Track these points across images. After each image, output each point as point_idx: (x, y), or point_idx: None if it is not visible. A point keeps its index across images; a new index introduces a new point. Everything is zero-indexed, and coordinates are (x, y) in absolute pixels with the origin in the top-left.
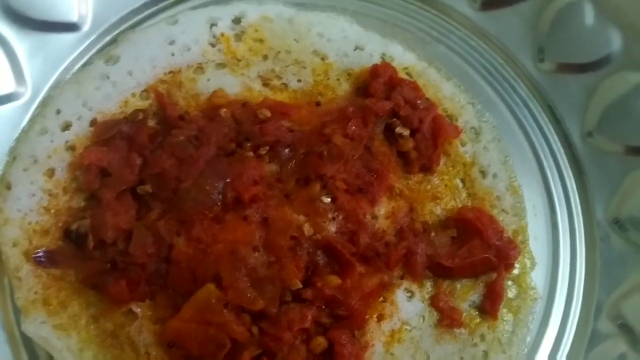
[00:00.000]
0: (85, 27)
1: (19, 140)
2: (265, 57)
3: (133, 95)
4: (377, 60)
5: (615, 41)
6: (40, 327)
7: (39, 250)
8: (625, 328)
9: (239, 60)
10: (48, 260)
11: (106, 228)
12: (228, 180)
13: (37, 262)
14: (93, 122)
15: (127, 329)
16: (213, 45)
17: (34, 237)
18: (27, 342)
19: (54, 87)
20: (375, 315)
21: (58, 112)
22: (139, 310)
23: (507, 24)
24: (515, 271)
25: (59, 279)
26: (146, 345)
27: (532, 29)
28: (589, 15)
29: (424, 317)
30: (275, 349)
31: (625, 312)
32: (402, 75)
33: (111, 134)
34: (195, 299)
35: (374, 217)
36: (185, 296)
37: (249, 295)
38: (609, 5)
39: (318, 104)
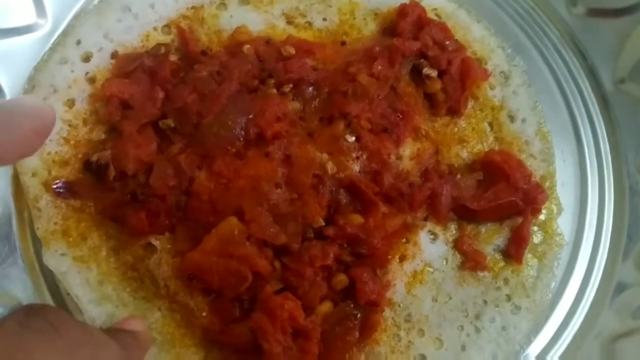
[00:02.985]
0: None
1: (38, 69)
2: None
3: (155, 29)
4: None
5: None
6: (60, 260)
7: (58, 180)
8: None
9: None
10: (67, 191)
11: (127, 160)
12: (250, 116)
13: (57, 192)
14: (114, 55)
15: (146, 262)
16: None
17: (53, 167)
18: (46, 272)
19: (74, 18)
20: (397, 256)
21: (78, 42)
22: (158, 243)
23: None
24: (542, 217)
25: (79, 210)
26: (165, 279)
27: None
28: None
29: (447, 259)
30: (297, 284)
31: None
32: (431, 16)
33: (133, 67)
34: (217, 231)
35: (399, 157)
36: (206, 229)
37: (271, 229)
38: None
39: (343, 43)
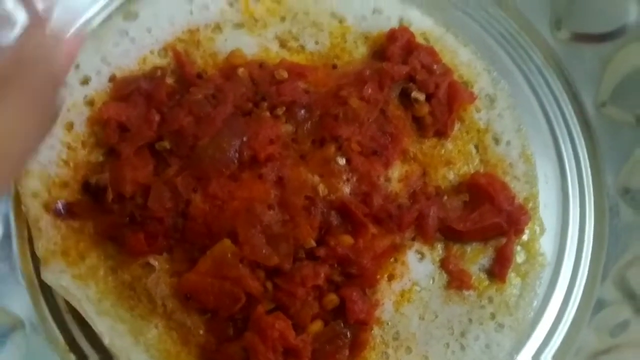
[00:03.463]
0: None
1: None
2: (282, 19)
3: (151, 52)
4: (394, 24)
5: (632, 12)
6: (59, 276)
7: (58, 201)
8: (629, 295)
9: (256, 21)
10: (67, 212)
11: (125, 182)
12: (245, 138)
13: (56, 213)
14: (112, 78)
15: (144, 281)
16: (231, 4)
17: (53, 189)
18: (46, 290)
19: None
20: (386, 275)
21: (77, 66)
22: (157, 263)
23: None
24: (525, 237)
25: (78, 230)
26: (163, 297)
27: None
28: None
29: (434, 278)
30: (289, 304)
31: (630, 279)
32: (419, 40)
33: (130, 90)
34: (212, 253)
35: (388, 179)
36: (202, 250)
37: (264, 251)
38: None
39: (334, 66)
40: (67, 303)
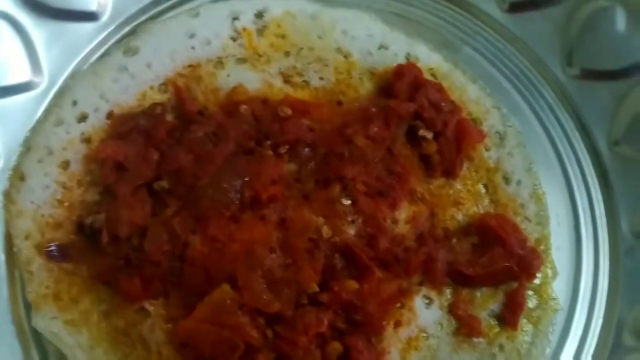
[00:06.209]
0: (104, 17)
1: (34, 130)
2: (287, 54)
3: (151, 88)
4: (401, 60)
5: None
6: (50, 323)
7: (52, 244)
8: None
9: (260, 56)
10: (60, 254)
11: (121, 223)
12: (246, 178)
13: (49, 255)
14: (110, 115)
15: (139, 327)
16: (234, 39)
17: (46, 230)
18: (37, 336)
19: (70, 78)
20: (392, 322)
21: (74, 103)
22: (152, 308)
23: (535, 28)
24: (537, 281)
25: (71, 273)
26: (158, 344)
27: (561, 33)
28: (620, 21)
29: (442, 324)
30: (290, 353)
31: None
32: (427, 76)
33: (128, 128)
34: (210, 299)
35: (394, 221)
36: (200, 296)
37: (264, 297)
38: None
39: (340, 103)
40: (58, 351)
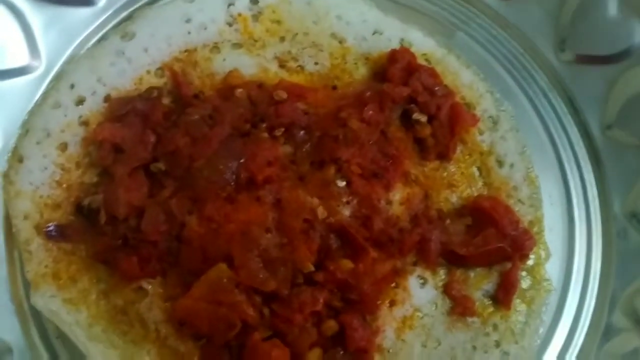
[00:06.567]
0: (101, 2)
1: (32, 113)
2: (282, 39)
3: (148, 72)
4: (395, 45)
5: (637, 34)
6: (49, 301)
7: (50, 224)
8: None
9: (255, 41)
10: (59, 234)
11: (118, 204)
12: (242, 160)
13: (48, 235)
14: (107, 98)
15: (137, 306)
16: (230, 24)
17: (45, 210)
18: (36, 314)
19: (68, 62)
20: (387, 301)
21: (72, 86)
22: (150, 287)
23: (528, 13)
24: (530, 262)
25: (70, 253)
26: (156, 323)
27: (554, 19)
28: (612, 7)
29: (436, 304)
30: (286, 331)
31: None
32: (420, 61)
33: (125, 111)
34: (207, 278)
35: (389, 202)
36: (197, 275)
37: (260, 276)
38: None
39: (334, 87)
40: (57, 328)
